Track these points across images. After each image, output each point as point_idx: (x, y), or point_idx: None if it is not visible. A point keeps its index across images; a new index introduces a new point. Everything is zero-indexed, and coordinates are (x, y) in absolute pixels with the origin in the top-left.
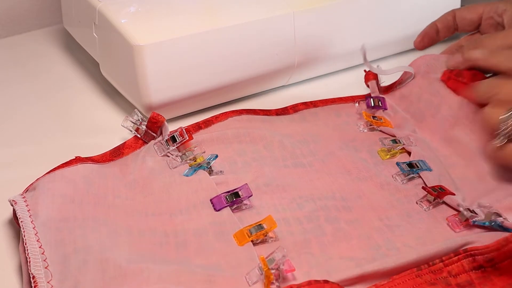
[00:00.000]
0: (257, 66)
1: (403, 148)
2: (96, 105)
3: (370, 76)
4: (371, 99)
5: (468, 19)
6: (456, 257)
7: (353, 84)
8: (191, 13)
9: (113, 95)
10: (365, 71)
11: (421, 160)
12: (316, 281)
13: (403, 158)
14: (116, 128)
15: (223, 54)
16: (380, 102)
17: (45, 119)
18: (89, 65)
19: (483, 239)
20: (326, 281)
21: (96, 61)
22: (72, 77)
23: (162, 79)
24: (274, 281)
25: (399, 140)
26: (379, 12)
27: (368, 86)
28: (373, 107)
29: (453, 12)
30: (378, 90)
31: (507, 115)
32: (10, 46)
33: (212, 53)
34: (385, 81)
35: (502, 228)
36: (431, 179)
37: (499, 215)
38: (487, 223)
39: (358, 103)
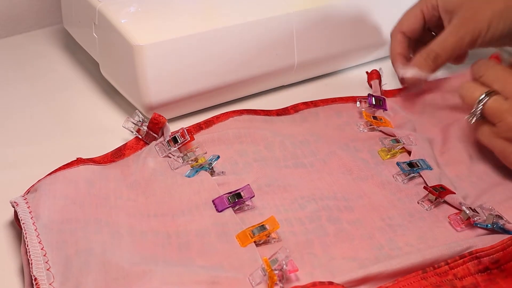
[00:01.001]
0: (257, 66)
1: (403, 147)
2: (96, 105)
3: (374, 76)
4: (373, 97)
5: (418, 28)
6: (461, 260)
7: (353, 84)
8: (191, 13)
9: (113, 95)
10: (366, 72)
11: (422, 159)
12: (321, 283)
13: (404, 157)
14: (116, 129)
15: (223, 54)
16: (381, 102)
17: (45, 120)
18: (89, 65)
19: (486, 241)
20: (331, 283)
21: (96, 61)
22: (72, 77)
23: (162, 79)
24: (277, 282)
25: (399, 140)
26: (378, 12)
27: (370, 85)
28: (374, 106)
29: (399, 30)
30: (380, 90)
31: (481, 96)
32: (10, 46)
33: (212, 53)
34: (387, 83)
35: (504, 230)
36: (432, 178)
37: (501, 217)
38: (489, 225)
39: (360, 102)
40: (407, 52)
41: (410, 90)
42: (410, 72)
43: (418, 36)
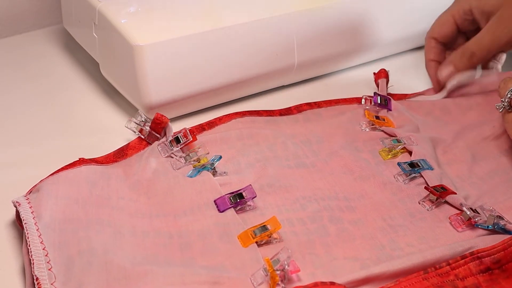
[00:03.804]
0: (257, 66)
1: (405, 147)
2: (96, 105)
3: (382, 74)
4: (378, 97)
5: (450, 33)
6: (463, 260)
7: (353, 84)
8: (191, 13)
9: (114, 95)
10: (374, 73)
11: (423, 159)
12: (323, 283)
13: (405, 158)
14: (117, 129)
15: (223, 54)
16: (386, 102)
17: (46, 120)
18: (89, 65)
19: (487, 242)
20: (332, 283)
21: (96, 61)
22: (72, 77)
23: (162, 79)
24: (279, 282)
25: (400, 140)
26: (378, 12)
27: (377, 84)
28: (379, 105)
29: (431, 37)
30: (387, 90)
31: None
32: (10, 46)
33: (212, 53)
34: (393, 85)
35: (504, 231)
36: (433, 178)
37: (502, 218)
38: (490, 226)
39: (365, 100)
40: (441, 58)
41: (417, 97)
42: (445, 72)
43: (451, 41)
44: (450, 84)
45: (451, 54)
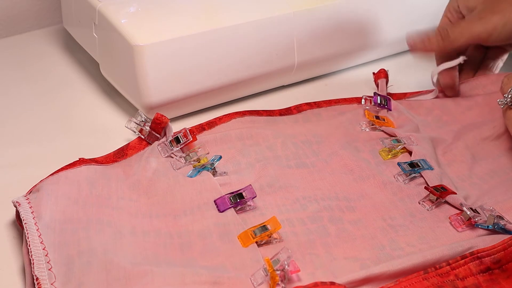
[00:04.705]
0: (257, 66)
1: (405, 147)
2: (96, 105)
3: (381, 75)
4: (378, 97)
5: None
6: (463, 260)
7: (353, 84)
8: (191, 13)
9: (114, 95)
10: (373, 73)
11: (423, 159)
12: (323, 283)
13: (405, 158)
14: (116, 129)
15: (223, 54)
16: (386, 102)
17: (46, 120)
18: (89, 65)
19: (487, 242)
20: (332, 283)
21: (96, 61)
22: (72, 77)
23: (162, 79)
24: (279, 282)
25: (400, 140)
26: (378, 12)
27: (377, 84)
28: (379, 105)
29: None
30: (386, 90)
31: None
32: (10, 46)
33: (212, 53)
34: (393, 84)
35: (505, 231)
36: (433, 178)
37: (502, 218)
38: (490, 226)
39: (365, 100)
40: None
41: (417, 97)
42: (419, 43)
43: None
44: (436, 71)
45: (428, 31)
